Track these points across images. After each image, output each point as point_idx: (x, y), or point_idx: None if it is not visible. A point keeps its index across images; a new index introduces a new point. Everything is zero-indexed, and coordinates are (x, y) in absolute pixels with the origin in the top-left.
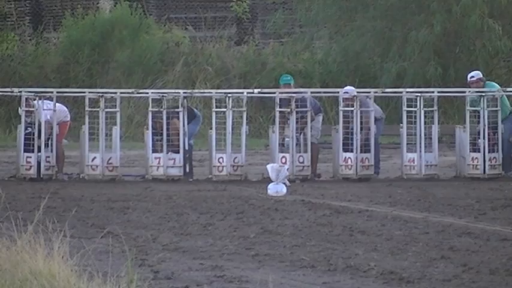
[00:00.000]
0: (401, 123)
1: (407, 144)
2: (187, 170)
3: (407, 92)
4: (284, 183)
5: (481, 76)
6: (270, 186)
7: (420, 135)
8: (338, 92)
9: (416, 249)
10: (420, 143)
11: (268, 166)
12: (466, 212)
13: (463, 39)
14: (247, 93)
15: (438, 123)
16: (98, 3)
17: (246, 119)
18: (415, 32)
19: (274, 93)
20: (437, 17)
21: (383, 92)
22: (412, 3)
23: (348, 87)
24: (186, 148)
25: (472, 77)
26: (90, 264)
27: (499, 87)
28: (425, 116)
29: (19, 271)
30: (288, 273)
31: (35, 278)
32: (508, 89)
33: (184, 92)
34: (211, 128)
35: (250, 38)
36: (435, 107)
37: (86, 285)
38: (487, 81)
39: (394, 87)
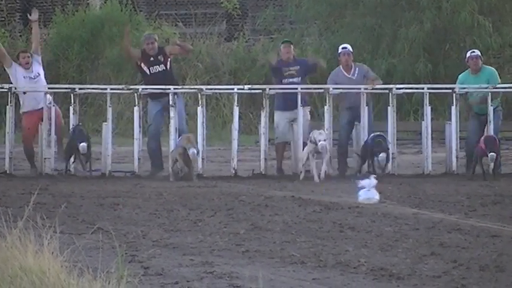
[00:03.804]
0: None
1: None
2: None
3: (397, 88)
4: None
5: (480, 55)
6: (361, 192)
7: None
8: (328, 89)
9: (406, 245)
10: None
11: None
12: (456, 209)
13: (452, 36)
14: (238, 89)
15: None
16: (88, 0)
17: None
18: (405, 29)
19: (265, 89)
20: (427, 14)
21: (373, 89)
22: (402, 0)
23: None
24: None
25: (473, 51)
26: (81, 260)
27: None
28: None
29: (9, 267)
30: (278, 270)
31: (25, 274)
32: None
33: (175, 88)
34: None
35: (240, 34)
36: (426, 103)
37: (76, 281)
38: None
39: (384, 84)
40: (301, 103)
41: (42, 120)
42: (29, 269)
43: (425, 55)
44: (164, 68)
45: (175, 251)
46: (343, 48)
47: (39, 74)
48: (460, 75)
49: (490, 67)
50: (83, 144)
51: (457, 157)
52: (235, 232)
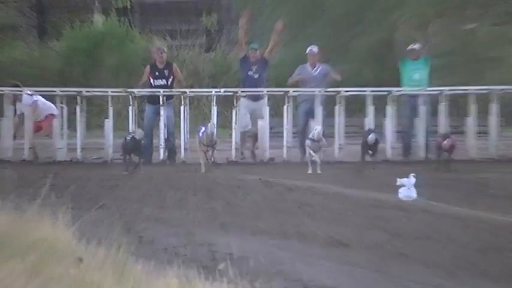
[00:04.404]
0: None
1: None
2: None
3: (345, 91)
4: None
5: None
6: (401, 190)
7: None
8: (288, 92)
9: (352, 218)
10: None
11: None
12: (393, 189)
13: (395, 47)
14: (215, 92)
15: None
16: (92, 18)
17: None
18: (355, 39)
19: (237, 92)
20: (371, 28)
21: (325, 92)
22: (353, 15)
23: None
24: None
25: (414, 44)
26: (88, 230)
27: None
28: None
29: (28, 236)
30: (248, 239)
31: (42, 242)
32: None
33: (164, 91)
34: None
35: (217, 45)
36: (370, 103)
37: (85, 247)
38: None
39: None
40: (262, 97)
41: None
42: (46, 238)
43: (372, 63)
44: (165, 82)
45: (164, 224)
46: (310, 49)
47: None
48: (402, 62)
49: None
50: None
51: (392, 147)
52: (212, 208)
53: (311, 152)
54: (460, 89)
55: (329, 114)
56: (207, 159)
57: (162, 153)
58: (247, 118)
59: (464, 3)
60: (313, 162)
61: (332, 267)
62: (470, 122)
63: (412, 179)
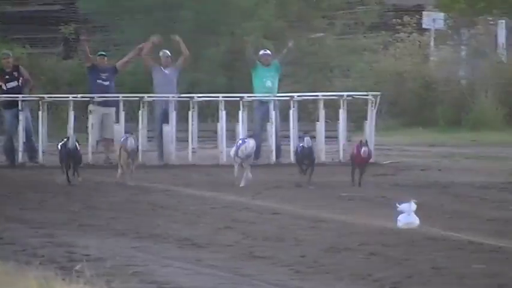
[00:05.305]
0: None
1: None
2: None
3: (198, 97)
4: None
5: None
6: (401, 217)
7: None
8: (143, 97)
9: (206, 220)
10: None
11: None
12: (245, 192)
13: (244, 56)
14: (72, 97)
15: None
16: None
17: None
18: (206, 50)
19: (93, 97)
20: (223, 39)
21: (179, 97)
22: (203, 26)
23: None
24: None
25: (266, 51)
26: None
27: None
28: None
29: None
30: (105, 240)
31: None
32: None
33: (23, 97)
34: None
35: (75, 54)
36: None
37: None
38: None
39: (188, 93)
40: (112, 104)
41: None
42: None
43: (222, 71)
44: (17, 83)
45: (24, 225)
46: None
47: None
48: (253, 68)
49: (276, 60)
50: None
51: None
52: (71, 210)
53: None
54: (309, 95)
55: (183, 119)
56: (128, 168)
57: (21, 156)
58: (99, 123)
59: (312, 15)
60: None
61: (187, 268)
62: (320, 127)
63: (412, 205)
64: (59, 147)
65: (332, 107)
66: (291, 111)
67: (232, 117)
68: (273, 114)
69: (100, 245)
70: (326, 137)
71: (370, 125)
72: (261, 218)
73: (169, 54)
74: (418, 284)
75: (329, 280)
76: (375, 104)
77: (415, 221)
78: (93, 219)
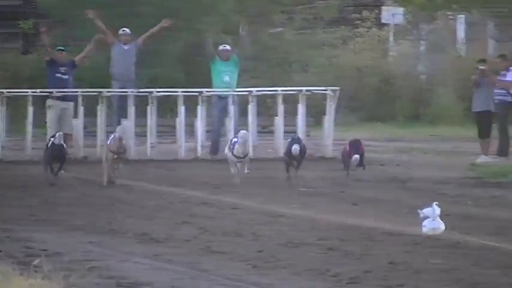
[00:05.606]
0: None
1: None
2: None
3: (157, 91)
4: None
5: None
6: (426, 223)
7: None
8: (102, 92)
9: (164, 215)
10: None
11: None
12: (204, 186)
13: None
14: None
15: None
16: None
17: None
18: (165, 44)
19: (52, 92)
20: (182, 34)
21: (138, 92)
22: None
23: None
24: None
25: (225, 46)
26: None
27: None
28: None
29: None
30: (62, 234)
31: None
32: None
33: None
34: None
35: (35, 49)
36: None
37: None
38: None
39: (147, 88)
40: (71, 99)
41: None
42: None
43: (182, 66)
44: None
45: None
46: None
47: None
48: (212, 63)
49: (235, 55)
50: None
51: (202, 146)
52: (29, 205)
53: None
54: (268, 90)
55: (141, 114)
56: (113, 168)
57: None
58: (57, 118)
59: (270, 10)
60: None
61: (145, 263)
62: (279, 122)
63: (436, 209)
64: (48, 146)
65: (291, 102)
66: (249, 106)
67: (191, 112)
68: (231, 109)
69: (58, 240)
70: (285, 132)
71: (329, 120)
72: (219, 213)
73: (129, 32)
74: (375, 279)
75: (286, 275)
76: (334, 99)
77: (441, 226)
78: (51, 214)
